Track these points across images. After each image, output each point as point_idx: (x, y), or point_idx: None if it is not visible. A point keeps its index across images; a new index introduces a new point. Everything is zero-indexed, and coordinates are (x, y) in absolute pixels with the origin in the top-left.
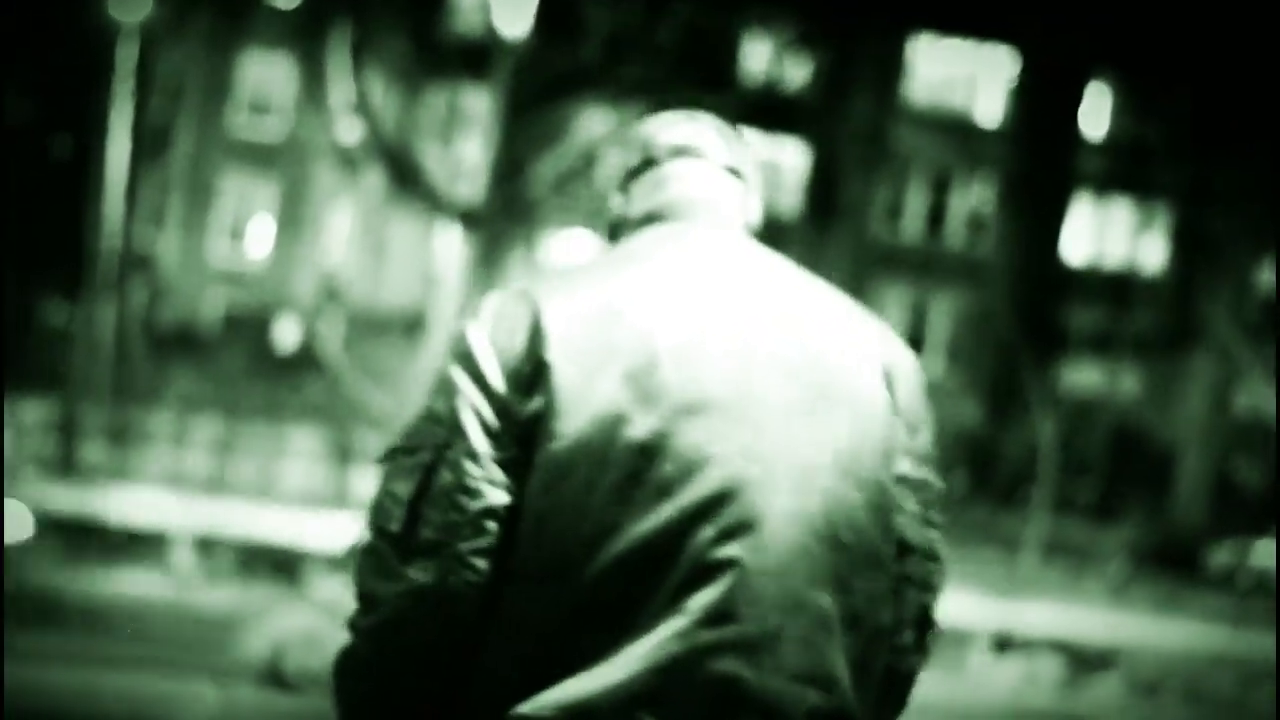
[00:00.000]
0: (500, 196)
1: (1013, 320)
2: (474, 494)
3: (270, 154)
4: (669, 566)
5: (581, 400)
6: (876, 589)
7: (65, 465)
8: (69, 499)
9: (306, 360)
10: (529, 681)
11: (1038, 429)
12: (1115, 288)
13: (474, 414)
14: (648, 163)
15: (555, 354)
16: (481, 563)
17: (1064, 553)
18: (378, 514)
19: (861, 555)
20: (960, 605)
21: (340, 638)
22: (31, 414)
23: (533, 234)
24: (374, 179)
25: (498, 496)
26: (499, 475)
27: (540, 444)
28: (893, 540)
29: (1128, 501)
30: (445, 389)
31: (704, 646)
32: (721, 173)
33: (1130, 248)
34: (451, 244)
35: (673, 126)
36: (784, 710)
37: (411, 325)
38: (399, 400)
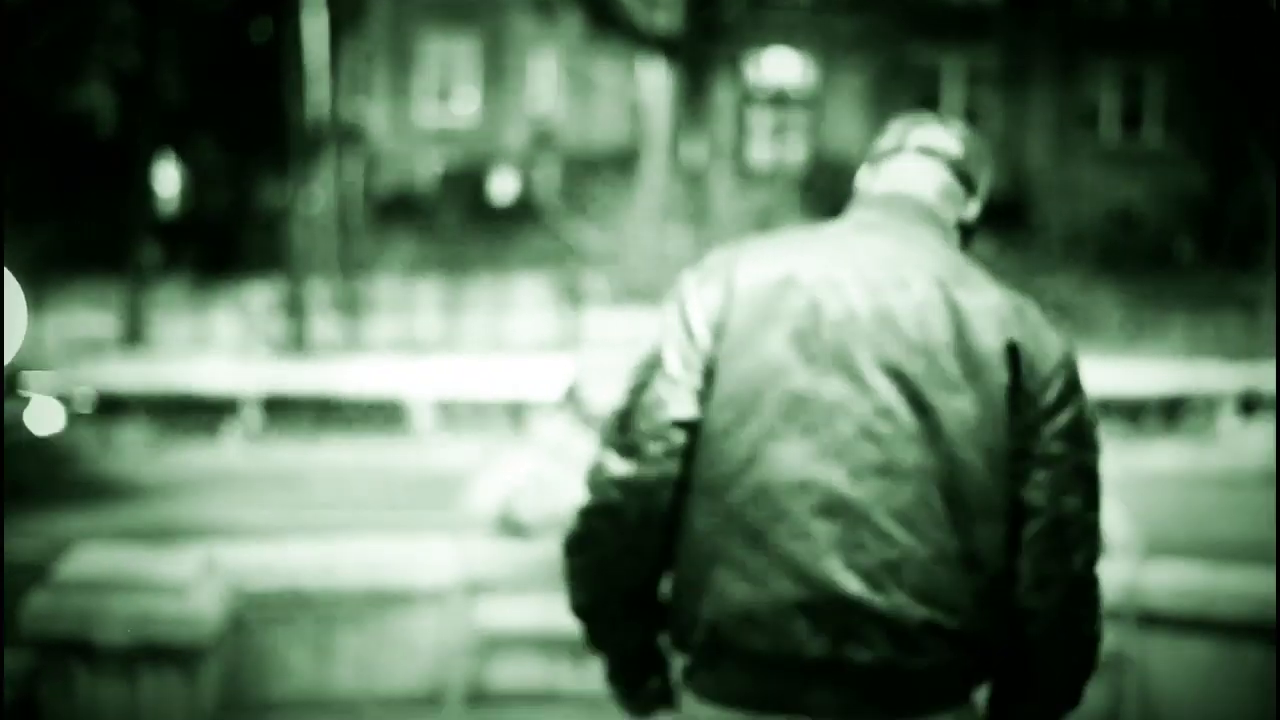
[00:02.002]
0: (698, 22)
1: (1229, 81)
2: (666, 408)
3: (468, 9)
4: (804, 496)
5: (753, 348)
6: (996, 539)
7: (296, 343)
8: (304, 376)
9: (525, 209)
10: (695, 582)
11: (1264, 188)
12: None
13: (676, 348)
14: (895, 150)
15: (738, 308)
16: (670, 463)
17: None
18: (604, 422)
19: (981, 510)
20: (1203, 371)
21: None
22: (257, 297)
23: (735, 56)
24: (572, 20)
25: (684, 410)
26: (687, 397)
27: (718, 378)
28: (1011, 502)
29: None
30: (661, 325)
31: (836, 571)
32: (947, 173)
33: None
34: (655, 76)
35: (923, 127)
36: (904, 621)
37: (625, 161)
38: (619, 238)
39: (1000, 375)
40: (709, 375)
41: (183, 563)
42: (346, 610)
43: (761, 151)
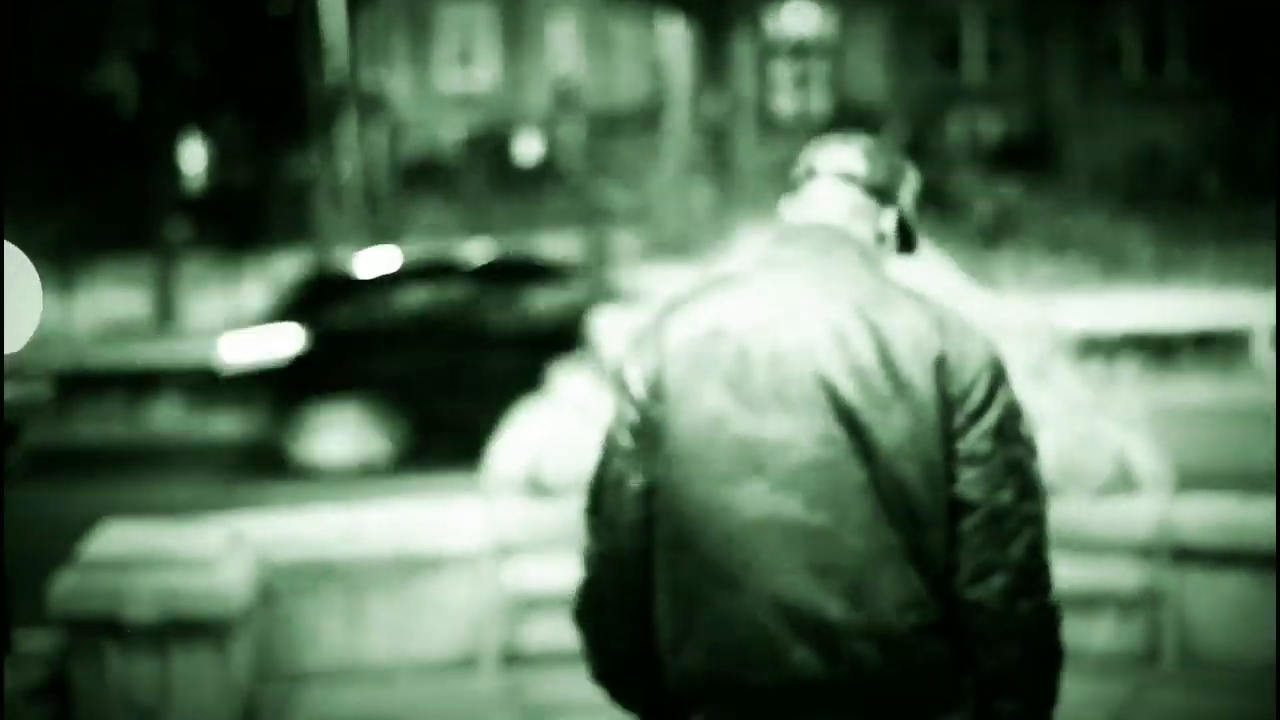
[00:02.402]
0: None
1: (1254, 15)
2: (625, 483)
3: None
4: (769, 532)
5: (692, 403)
6: (941, 539)
7: None
8: None
9: (549, 171)
10: (684, 631)
11: None
12: None
13: (624, 424)
14: (805, 176)
15: (671, 367)
16: (637, 534)
17: None
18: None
19: (925, 516)
20: (1235, 303)
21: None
22: (285, 268)
23: (754, 9)
24: None
25: (640, 481)
26: (643, 466)
27: (668, 435)
28: (946, 503)
29: None
30: (612, 404)
31: (812, 595)
32: (856, 192)
33: None
34: (675, 32)
35: (826, 151)
36: (889, 631)
37: (648, 118)
38: (643, 195)
39: (926, 387)
40: (658, 438)
41: (209, 537)
42: (376, 577)
43: (784, 103)
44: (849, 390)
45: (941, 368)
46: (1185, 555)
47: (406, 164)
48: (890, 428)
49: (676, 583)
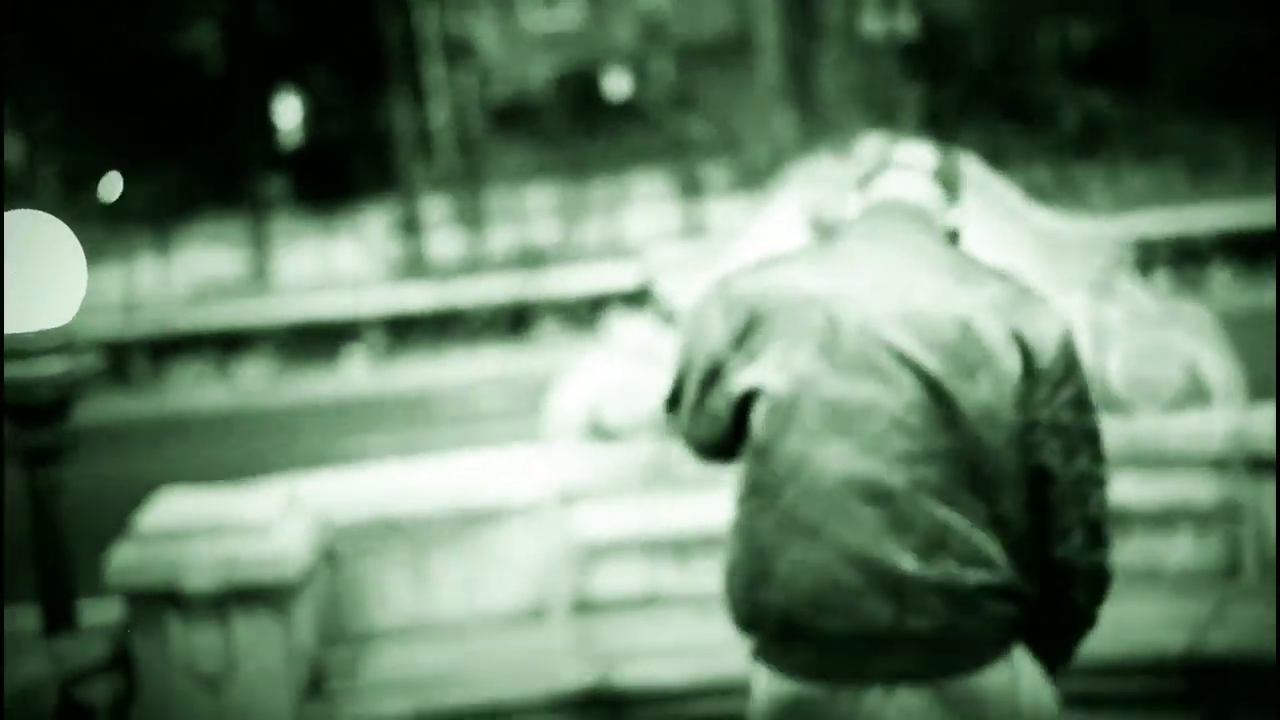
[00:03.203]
0: None
1: None
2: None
3: None
4: (850, 490)
5: (783, 364)
6: (1018, 503)
7: (417, 263)
8: (425, 295)
9: (638, 107)
10: (761, 575)
11: None
12: None
13: (696, 368)
14: (879, 168)
15: (761, 328)
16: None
17: None
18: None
19: (1003, 479)
20: None
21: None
22: (376, 221)
23: None
24: None
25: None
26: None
27: (762, 396)
28: (1029, 469)
29: None
30: (686, 345)
31: (889, 552)
32: (930, 183)
33: None
34: None
35: (898, 145)
36: (957, 587)
37: (736, 48)
38: (733, 127)
39: (1008, 360)
40: (728, 391)
41: (265, 501)
42: (440, 533)
43: (872, 23)
44: (933, 361)
45: (1021, 341)
46: (1262, 465)
47: (496, 108)
48: (972, 398)
49: (755, 530)
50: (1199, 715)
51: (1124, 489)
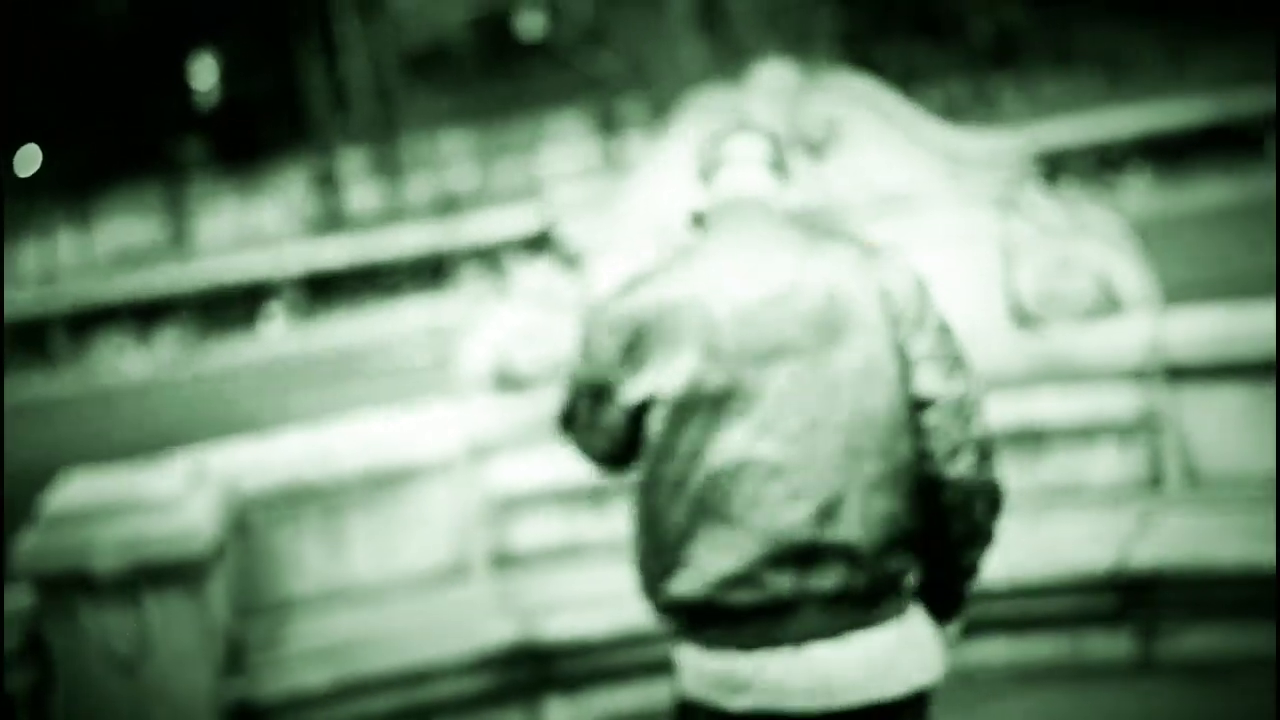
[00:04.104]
0: None
1: None
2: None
3: None
4: (749, 470)
5: (672, 367)
6: (908, 452)
7: (331, 220)
8: (343, 250)
9: (554, 45)
10: (674, 561)
11: None
12: None
13: (588, 381)
14: (717, 164)
15: (645, 338)
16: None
17: None
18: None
19: (891, 431)
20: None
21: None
22: (293, 178)
23: None
24: None
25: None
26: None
27: (655, 395)
28: (913, 403)
29: None
30: (580, 356)
31: (789, 522)
32: (762, 170)
33: None
34: None
35: (733, 138)
36: (862, 549)
37: None
38: (645, 60)
39: (876, 312)
40: (618, 401)
41: (170, 476)
42: (352, 496)
43: None
44: (807, 335)
45: (883, 291)
46: (1179, 374)
47: (411, 56)
48: (848, 361)
49: (664, 521)
50: (1127, 630)
51: (1042, 405)
